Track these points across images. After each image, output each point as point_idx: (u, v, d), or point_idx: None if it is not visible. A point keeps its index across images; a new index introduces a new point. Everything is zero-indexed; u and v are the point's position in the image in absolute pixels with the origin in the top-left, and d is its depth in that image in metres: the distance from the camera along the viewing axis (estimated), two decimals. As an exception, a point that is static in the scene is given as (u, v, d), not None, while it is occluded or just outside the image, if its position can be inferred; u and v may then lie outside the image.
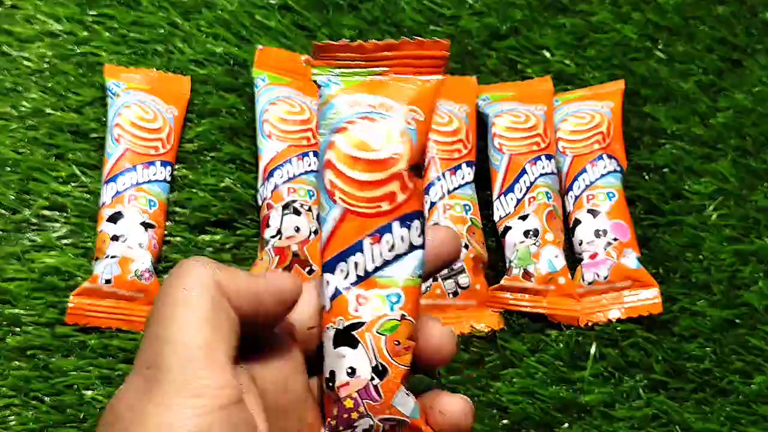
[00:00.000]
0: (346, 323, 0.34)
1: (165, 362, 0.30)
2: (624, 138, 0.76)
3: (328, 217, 0.34)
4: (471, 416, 0.35)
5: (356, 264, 0.34)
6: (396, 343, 0.34)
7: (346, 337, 0.34)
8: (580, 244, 0.70)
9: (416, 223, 0.34)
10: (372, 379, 0.34)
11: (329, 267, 0.34)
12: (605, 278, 0.69)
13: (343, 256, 0.34)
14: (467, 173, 0.72)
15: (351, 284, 0.34)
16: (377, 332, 0.34)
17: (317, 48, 0.35)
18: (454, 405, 0.35)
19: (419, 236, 0.34)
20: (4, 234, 0.69)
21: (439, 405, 0.35)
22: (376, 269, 0.34)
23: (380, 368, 0.34)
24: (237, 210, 0.71)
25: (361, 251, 0.34)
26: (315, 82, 0.35)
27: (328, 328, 0.35)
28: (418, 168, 0.34)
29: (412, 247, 0.34)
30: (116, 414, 0.30)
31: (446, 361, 0.36)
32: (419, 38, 0.34)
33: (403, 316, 0.34)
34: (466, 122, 0.74)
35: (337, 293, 0.34)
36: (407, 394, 0.34)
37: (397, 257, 0.34)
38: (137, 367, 0.31)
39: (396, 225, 0.34)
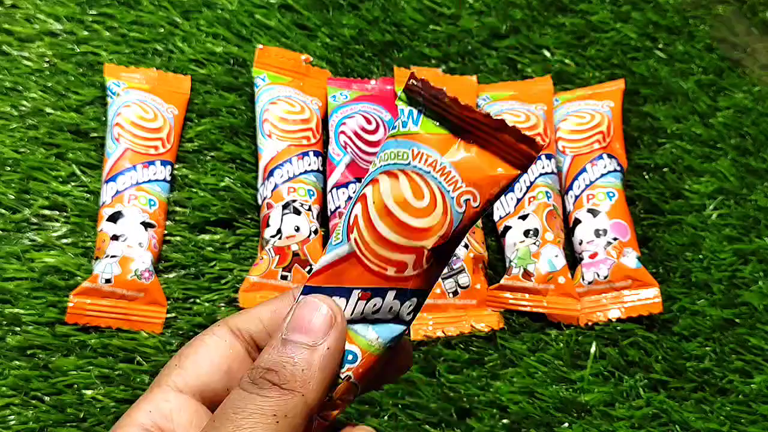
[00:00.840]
0: None
1: None
2: (624, 137, 0.76)
3: (336, 249, 0.32)
4: None
5: None
6: (327, 398, 0.32)
7: None
8: (580, 244, 0.70)
9: (413, 302, 0.32)
10: None
11: (312, 293, 0.32)
12: (605, 278, 0.69)
13: (329, 292, 0.32)
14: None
15: None
16: None
17: (416, 79, 0.31)
18: None
19: (409, 314, 0.32)
20: (4, 233, 0.69)
21: None
22: (351, 321, 0.32)
23: None
24: (237, 209, 0.71)
25: (347, 298, 0.32)
26: (398, 106, 0.32)
27: None
28: (441, 254, 0.32)
29: (396, 320, 0.32)
30: None
31: None
32: (517, 126, 0.30)
33: (348, 378, 0.32)
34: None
35: None
36: None
37: (377, 321, 0.32)
38: None
39: (391, 294, 0.32)
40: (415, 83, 0.31)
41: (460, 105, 0.30)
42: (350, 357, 0.32)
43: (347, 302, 0.32)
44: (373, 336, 0.32)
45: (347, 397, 0.32)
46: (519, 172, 0.31)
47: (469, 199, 0.31)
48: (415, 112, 0.31)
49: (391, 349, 0.33)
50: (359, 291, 0.31)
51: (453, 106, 0.30)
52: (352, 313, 0.32)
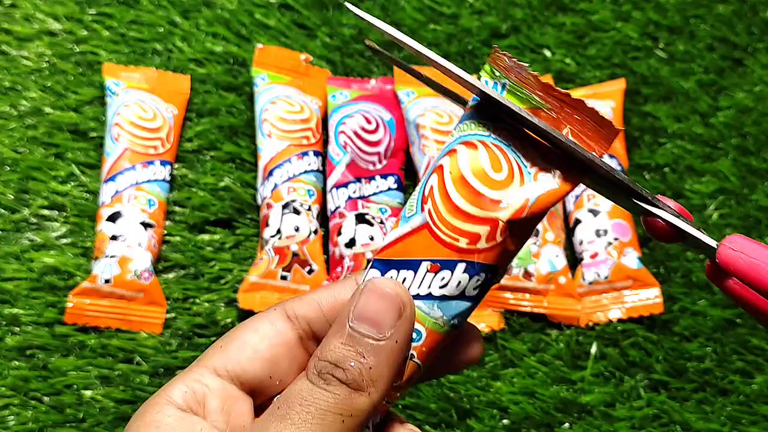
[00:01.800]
0: None
1: None
2: (625, 137, 0.76)
3: (409, 221, 0.31)
4: None
5: (404, 279, 0.31)
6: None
7: None
8: (581, 244, 0.70)
9: (481, 277, 0.31)
10: None
11: (380, 266, 0.31)
12: (606, 278, 0.69)
13: (397, 265, 0.31)
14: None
15: None
16: None
17: (500, 52, 0.30)
18: None
19: (475, 290, 0.31)
20: (3, 233, 0.69)
21: None
22: (418, 296, 0.31)
23: None
24: (236, 209, 0.71)
25: (415, 271, 0.31)
26: (481, 77, 0.31)
27: None
28: (516, 229, 0.31)
29: (462, 296, 0.31)
30: None
31: None
32: (596, 109, 0.29)
33: (412, 356, 0.31)
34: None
35: None
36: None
37: (444, 297, 0.31)
38: None
39: (461, 267, 0.30)
40: (501, 55, 0.30)
41: (541, 83, 0.30)
42: (414, 335, 0.31)
43: (415, 275, 0.31)
44: (438, 314, 0.31)
45: (411, 378, 0.32)
46: (603, 152, 0.30)
47: (553, 180, 0.30)
48: (499, 85, 0.31)
49: (456, 328, 0.32)
50: (428, 263, 0.30)
51: (535, 83, 0.30)
52: (419, 287, 0.31)
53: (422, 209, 0.31)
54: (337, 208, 0.70)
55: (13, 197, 0.70)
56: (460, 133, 0.31)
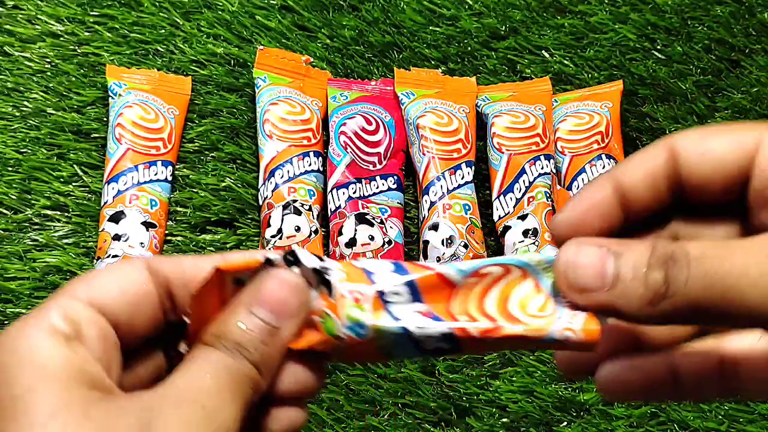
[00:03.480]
0: None
1: None
2: (623, 138, 0.76)
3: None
4: None
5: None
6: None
7: None
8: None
9: (447, 349, 0.31)
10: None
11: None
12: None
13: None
14: (467, 173, 0.72)
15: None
16: None
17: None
18: None
19: (431, 351, 0.31)
20: (6, 233, 0.69)
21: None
22: (390, 311, 0.30)
23: None
24: (238, 210, 0.71)
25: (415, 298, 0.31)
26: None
27: None
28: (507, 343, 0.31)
29: (418, 345, 0.31)
30: None
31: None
32: None
33: (340, 338, 0.30)
34: (466, 122, 0.74)
35: None
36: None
37: (408, 334, 0.30)
38: None
39: (443, 327, 0.30)
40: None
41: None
42: (360, 330, 0.30)
43: (411, 300, 0.30)
44: (391, 335, 0.30)
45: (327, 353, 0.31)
46: None
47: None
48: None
49: (385, 355, 0.31)
50: (426, 309, 0.30)
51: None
52: (402, 309, 0.30)
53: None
54: (337, 208, 0.70)
55: (15, 197, 0.70)
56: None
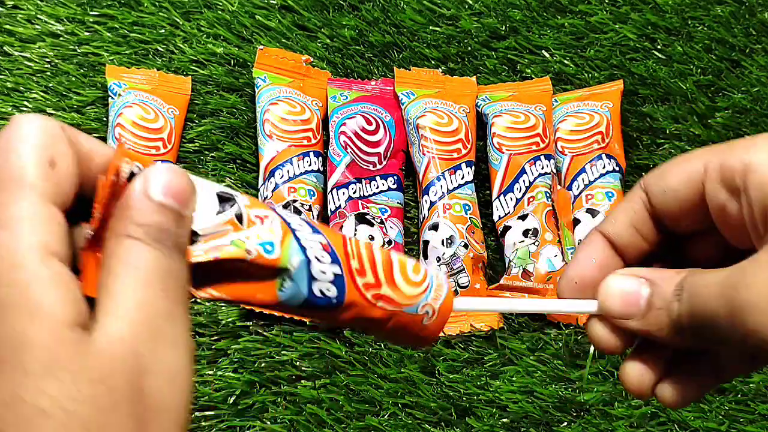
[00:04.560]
0: None
1: None
2: (623, 138, 0.76)
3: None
4: None
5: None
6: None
7: None
8: (580, 244, 0.71)
9: (334, 299, 0.32)
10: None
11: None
12: (604, 277, 0.69)
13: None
14: (467, 173, 0.72)
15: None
16: None
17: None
18: None
19: (322, 296, 0.31)
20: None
21: None
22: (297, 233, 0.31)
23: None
24: (238, 209, 0.71)
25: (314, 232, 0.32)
26: None
27: None
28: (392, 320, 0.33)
29: (311, 282, 0.31)
30: None
31: None
32: None
33: (250, 253, 0.30)
34: (466, 122, 0.74)
35: None
36: None
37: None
38: None
39: (336, 269, 0.31)
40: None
41: None
42: (269, 247, 0.30)
43: (312, 232, 0.31)
44: (295, 261, 0.30)
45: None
46: None
47: None
48: None
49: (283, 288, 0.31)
50: (326, 241, 0.31)
51: None
52: (307, 237, 0.31)
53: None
54: (337, 208, 0.70)
55: (15, 197, 0.70)
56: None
